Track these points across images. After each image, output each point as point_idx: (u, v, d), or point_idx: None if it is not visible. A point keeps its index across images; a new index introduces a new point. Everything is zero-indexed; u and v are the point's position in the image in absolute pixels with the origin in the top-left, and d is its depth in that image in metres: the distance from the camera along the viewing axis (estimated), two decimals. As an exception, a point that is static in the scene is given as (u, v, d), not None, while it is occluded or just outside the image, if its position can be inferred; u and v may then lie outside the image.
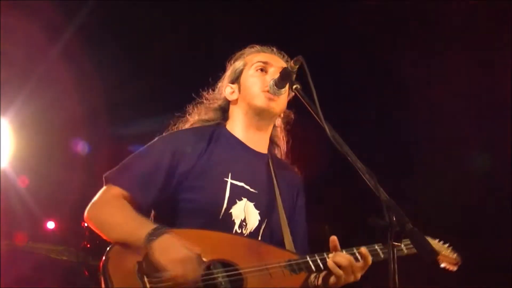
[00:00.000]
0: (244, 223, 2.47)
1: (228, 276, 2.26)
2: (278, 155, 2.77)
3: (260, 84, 2.61)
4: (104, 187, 2.46)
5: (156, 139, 2.63)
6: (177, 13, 5.64)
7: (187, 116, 2.80)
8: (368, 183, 2.04)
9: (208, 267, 2.25)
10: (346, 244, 2.60)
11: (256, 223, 2.51)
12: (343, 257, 2.33)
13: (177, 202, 2.46)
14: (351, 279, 2.35)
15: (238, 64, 2.75)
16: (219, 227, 2.40)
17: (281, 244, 2.52)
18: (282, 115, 2.75)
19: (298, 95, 2.37)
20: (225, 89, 2.74)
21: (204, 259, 2.22)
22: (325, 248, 2.46)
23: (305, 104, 2.34)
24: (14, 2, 5.26)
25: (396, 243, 1.90)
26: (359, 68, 5.69)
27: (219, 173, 2.50)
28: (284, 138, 2.80)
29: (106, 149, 6.21)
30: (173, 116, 2.87)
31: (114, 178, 2.44)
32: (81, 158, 6.26)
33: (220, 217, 2.44)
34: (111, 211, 2.39)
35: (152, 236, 2.20)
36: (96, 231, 2.40)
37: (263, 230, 2.53)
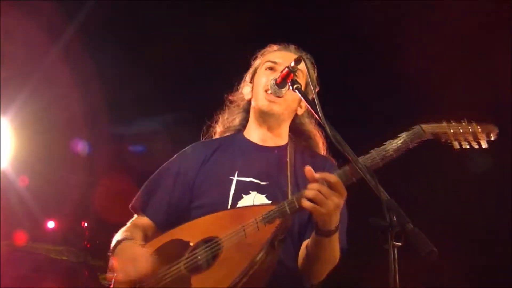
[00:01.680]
0: None
1: (207, 249, 2.29)
2: (313, 147, 2.71)
3: (263, 82, 2.61)
4: (134, 217, 2.64)
5: (167, 163, 2.70)
6: (177, 13, 5.64)
7: (214, 124, 2.81)
8: (369, 183, 2.03)
9: (193, 249, 2.30)
10: (347, 244, 2.59)
11: None
12: (309, 187, 2.16)
13: (190, 211, 2.52)
14: (330, 207, 2.14)
15: (256, 63, 2.76)
16: None
17: (304, 230, 2.48)
18: (300, 112, 2.71)
19: (299, 94, 2.36)
20: (245, 88, 2.75)
21: (191, 244, 2.31)
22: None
23: (306, 103, 2.34)
24: (14, 2, 5.26)
25: (396, 243, 1.89)
26: (359, 68, 5.69)
27: (224, 174, 2.52)
28: (315, 130, 2.74)
29: (106, 149, 6.21)
30: (173, 116, 2.87)
31: (136, 208, 2.63)
32: (81, 158, 6.26)
33: None
34: (116, 237, 2.53)
35: (112, 251, 2.40)
36: None
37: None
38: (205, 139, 2.80)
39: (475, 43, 5.28)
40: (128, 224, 2.58)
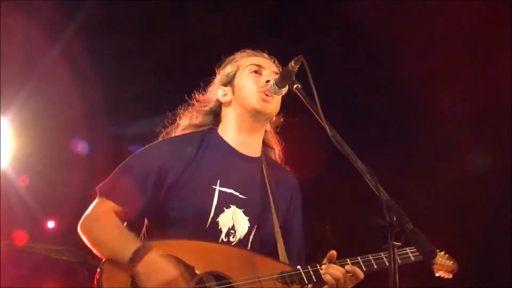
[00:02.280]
0: (232, 231, 2.46)
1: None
2: (273, 158, 2.75)
3: (255, 85, 2.60)
4: (97, 200, 2.50)
5: (144, 148, 2.62)
6: (177, 13, 5.63)
7: (178, 120, 2.78)
8: (369, 183, 2.03)
9: (200, 280, 2.26)
10: (346, 244, 2.60)
11: (245, 230, 2.50)
12: (336, 269, 2.35)
13: (167, 211, 2.47)
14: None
15: (230, 67, 2.74)
16: (205, 235, 2.40)
17: (273, 251, 2.52)
18: (273, 119, 2.73)
19: (299, 94, 2.36)
20: (217, 91, 2.72)
21: (197, 272, 2.25)
22: (326, 247, 2.45)
23: (306, 103, 2.33)
24: (14, 2, 5.26)
25: (396, 243, 1.89)
26: (359, 68, 5.69)
27: (207, 181, 2.49)
28: (277, 141, 2.78)
29: (106, 149, 6.20)
30: (173, 116, 2.86)
31: (105, 192, 2.48)
32: (81, 158, 6.26)
33: (207, 226, 2.44)
34: (99, 228, 2.42)
35: (134, 261, 2.25)
36: (88, 245, 2.43)
37: (253, 237, 2.51)
38: (165, 133, 2.76)
39: (475, 43, 5.28)
40: (108, 212, 2.43)
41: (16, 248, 5.79)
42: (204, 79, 2.90)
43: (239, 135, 2.61)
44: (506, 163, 5.31)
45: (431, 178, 5.73)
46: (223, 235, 2.45)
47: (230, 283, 2.27)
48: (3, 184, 5.89)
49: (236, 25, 5.47)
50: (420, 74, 5.45)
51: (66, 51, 5.60)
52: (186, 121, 2.75)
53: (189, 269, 2.24)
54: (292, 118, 2.85)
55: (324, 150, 2.80)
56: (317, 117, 2.22)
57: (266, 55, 2.76)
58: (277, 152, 2.77)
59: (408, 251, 2.52)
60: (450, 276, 2.79)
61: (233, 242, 2.46)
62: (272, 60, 2.75)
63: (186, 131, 2.70)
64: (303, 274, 2.34)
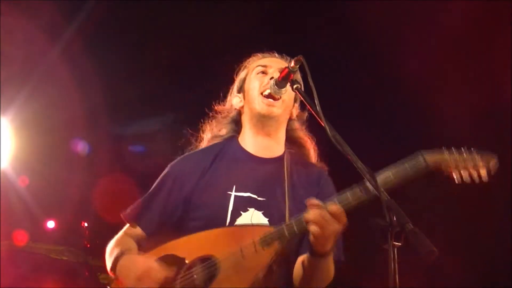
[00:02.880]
0: None
1: (203, 269, 2.29)
2: (305, 156, 2.72)
3: (259, 86, 2.60)
4: (125, 227, 2.62)
5: (166, 169, 2.68)
6: (177, 13, 5.63)
7: (201, 134, 2.79)
8: (369, 183, 2.03)
9: (189, 267, 2.29)
10: (346, 244, 2.59)
11: None
12: (311, 213, 2.19)
13: (186, 222, 2.50)
14: (329, 232, 2.18)
15: (242, 74, 2.75)
16: None
17: (299, 247, 2.48)
18: (294, 116, 2.71)
19: (299, 94, 2.36)
20: (233, 99, 2.73)
21: (187, 261, 2.30)
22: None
23: (306, 103, 2.33)
24: (14, 2, 5.26)
25: (396, 243, 1.89)
26: (360, 69, 5.70)
27: (222, 188, 2.50)
28: (308, 138, 2.75)
29: (106, 149, 6.21)
30: (173, 116, 2.86)
31: (127, 217, 2.61)
32: (81, 158, 6.26)
33: None
34: (111, 249, 2.53)
35: (113, 270, 2.41)
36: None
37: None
38: (190, 149, 2.78)
39: (475, 44, 5.28)
40: (120, 234, 2.58)
41: (16, 248, 5.78)
42: (205, 79, 2.91)
43: (256, 138, 2.61)
44: (506, 163, 5.31)
45: (431, 178, 5.72)
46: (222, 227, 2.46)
47: (214, 261, 2.28)
48: (3, 184, 5.89)
49: (237, 25, 5.47)
50: (420, 74, 5.45)
51: (66, 51, 5.60)
52: (209, 134, 2.76)
53: (178, 261, 2.30)
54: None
55: (324, 150, 2.79)
56: (317, 117, 2.22)
57: (276, 55, 2.76)
58: (310, 150, 2.74)
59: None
60: (485, 175, 2.33)
61: (216, 228, 2.47)
62: (284, 58, 2.74)
63: (211, 143, 2.72)
64: (284, 229, 2.27)
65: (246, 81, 2.70)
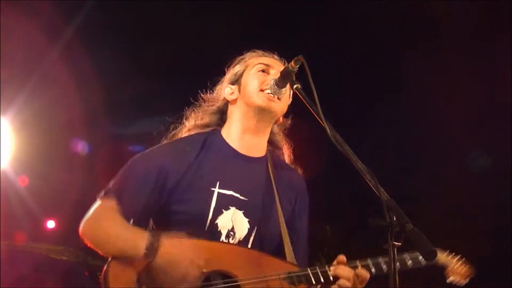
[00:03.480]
0: (231, 233, 2.46)
1: (225, 286, 2.27)
2: (281, 158, 2.74)
3: (259, 84, 2.59)
4: (97, 201, 2.47)
5: (147, 151, 2.61)
6: (177, 13, 5.63)
7: (184, 120, 2.77)
8: (369, 183, 2.03)
9: (207, 278, 2.27)
10: (346, 244, 2.59)
11: (245, 232, 2.49)
12: (344, 270, 2.34)
13: (168, 214, 2.47)
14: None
15: (238, 67, 2.73)
16: (205, 238, 2.39)
17: (276, 252, 2.51)
18: (280, 120, 2.72)
19: (299, 94, 2.36)
20: (225, 90, 2.71)
21: (204, 270, 2.25)
22: (327, 247, 2.45)
23: (306, 103, 2.33)
24: (14, 2, 5.26)
25: (396, 243, 1.89)
26: (360, 69, 5.70)
27: (206, 184, 2.48)
28: (286, 142, 2.77)
29: (106, 149, 6.21)
30: (172, 117, 2.84)
31: (105, 192, 2.48)
32: (81, 158, 6.26)
33: (206, 228, 2.43)
34: (103, 226, 2.41)
35: (149, 256, 2.24)
36: (92, 246, 2.41)
37: (253, 238, 2.50)
38: (173, 135, 2.76)
39: (475, 44, 5.28)
40: (108, 210, 2.42)
41: (16, 248, 5.78)
42: (205, 79, 2.89)
43: (243, 135, 2.60)
44: (506, 163, 5.31)
45: (431, 178, 5.73)
46: (223, 237, 2.44)
47: (237, 281, 2.27)
48: (3, 184, 5.89)
49: (235, 25, 5.47)
50: (420, 74, 5.45)
51: (66, 51, 5.60)
52: (192, 121, 2.73)
53: (196, 267, 2.24)
54: (292, 118, 2.84)
55: (324, 150, 2.79)
56: (317, 117, 2.21)
57: (276, 57, 2.75)
58: (286, 153, 2.75)
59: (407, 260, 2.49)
60: (464, 282, 2.78)
61: (233, 243, 2.45)
62: (283, 62, 2.74)
63: (192, 132, 2.69)
64: (311, 275, 2.33)
65: (244, 75, 2.68)
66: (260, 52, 2.76)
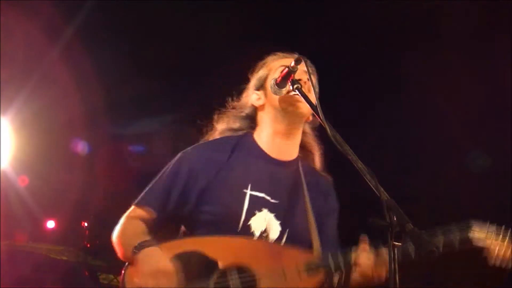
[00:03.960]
0: (264, 234, 2.46)
1: (241, 281, 2.26)
2: (311, 161, 2.74)
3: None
4: (130, 210, 2.55)
5: (177, 156, 2.64)
6: (177, 13, 5.63)
7: (214, 124, 2.77)
8: (369, 183, 2.03)
9: (223, 274, 2.26)
10: (346, 244, 2.59)
11: (277, 234, 2.49)
12: (365, 257, 2.30)
13: (199, 215, 2.48)
14: (373, 279, 2.30)
15: (262, 72, 2.73)
16: None
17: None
18: (310, 118, 2.71)
19: (299, 94, 2.36)
20: (252, 96, 2.72)
21: (220, 266, 2.26)
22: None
23: (306, 103, 2.33)
24: (14, 2, 5.26)
25: (396, 243, 1.89)
26: (360, 69, 5.70)
27: (238, 185, 2.49)
28: (316, 144, 2.76)
29: (106, 149, 6.21)
30: (173, 116, 2.85)
31: (135, 200, 2.55)
32: (81, 158, 6.26)
33: (239, 229, 2.43)
34: (119, 232, 2.48)
35: (136, 249, 2.30)
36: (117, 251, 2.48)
37: (284, 241, 2.49)
38: (203, 139, 2.77)
39: (475, 44, 5.28)
40: (126, 219, 2.50)
41: (16, 248, 5.79)
42: (205, 79, 2.89)
43: (274, 139, 2.60)
44: (506, 163, 5.31)
45: (431, 178, 5.72)
46: (255, 239, 2.45)
47: (254, 275, 2.26)
48: (3, 184, 5.89)
49: (235, 25, 5.47)
50: (420, 74, 5.45)
51: (66, 51, 5.60)
52: (224, 125, 2.74)
53: (211, 264, 2.26)
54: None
55: (323, 150, 2.79)
56: (317, 116, 2.22)
57: (297, 56, 2.75)
58: (316, 157, 2.75)
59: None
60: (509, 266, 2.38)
61: (251, 238, 2.46)
62: (305, 60, 2.73)
63: (224, 135, 2.71)
64: (330, 262, 2.31)
65: (268, 80, 2.67)
66: (281, 54, 2.76)
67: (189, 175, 2.50)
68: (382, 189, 1.98)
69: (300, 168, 2.60)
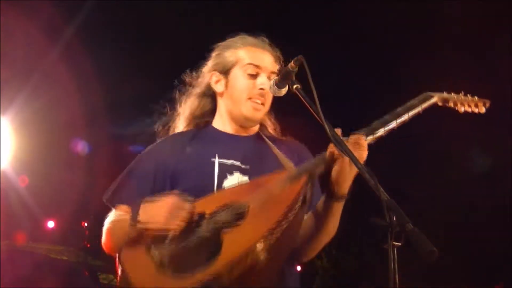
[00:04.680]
0: None
1: (231, 211, 2.27)
2: (269, 132, 2.76)
3: (248, 92, 2.59)
4: (110, 213, 2.50)
5: (142, 151, 2.65)
6: (177, 13, 5.64)
7: (178, 110, 2.78)
8: (369, 182, 2.03)
9: (214, 214, 2.27)
10: (346, 244, 2.59)
11: None
12: (334, 148, 2.20)
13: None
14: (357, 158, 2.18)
15: (228, 56, 2.72)
16: None
17: None
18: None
19: (299, 95, 2.36)
20: (211, 77, 2.71)
21: (208, 212, 2.24)
22: (326, 246, 2.43)
23: (306, 104, 2.33)
24: (14, 2, 5.26)
25: (396, 243, 1.89)
26: (360, 69, 5.70)
27: (205, 157, 2.51)
28: (270, 118, 2.78)
29: (106, 149, 6.21)
30: (173, 116, 2.85)
31: (110, 200, 2.49)
32: (81, 158, 6.26)
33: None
34: (106, 229, 2.42)
35: (133, 220, 2.24)
36: (111, 251, 2.43)
37: None
38: (167, 126, 2.78)
39: (475, 43, 5.28)
40: (110, 217, 2.44)
41: (16, 248, 5.79)
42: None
43: (232, 125, 2.63)
44: (506, 163, 5.31)
45: (431, 178, 5.73)
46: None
47: (241, 204, 2.26)
48: (3, 184, 5.89)
49: (235, 25, 5.46)
50: (420, 74, 5.45)
51: (66, 51, 5.60)
52: (187, 110, 2.74)
53: (200, 216, 2.24)
54: (292, 118, 2.84)
55: (323, 149, 2.79)
56: (316, 117, 2.21)
57: (268, 47, 2.74)
58: (271, 126, 2.77)
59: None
60: (483, 110, 2.63)
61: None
62: (275, 50, 2.73)
63: (190, 121, 2.71)
64: (310, 164, 2.26)
65: (233, 72, 2.66)
66: (250, 39, 2.75)
67: (157, 167, 2.50)
68: (382, 189, 1.98)
69: (263, 136, 2.62)
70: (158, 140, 2.71)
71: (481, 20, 5.11)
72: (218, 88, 2.66)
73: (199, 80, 2.76)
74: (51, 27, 5.51)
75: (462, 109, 2.63)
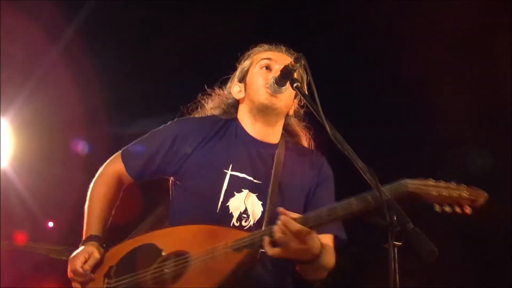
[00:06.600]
0: (244, 215, 2.47)
1: (175, 265, 2.30)
2: (297, 141, 2.75)
3: (263, 81, 2.61)
4: (116, 154, 2.79)
5: (169, 123, 2.73)
6: (177, 13, 5.63)
7: (204, 103, 2.82)
8: (369, 182, 2.03)
9: (164, 260, 2.32)
10: (346, 244, 2.59)
11: (259, 214, 2.50)
12: (277, 230, 2.21)
13: (182, 190, 2.52)
14: (292, 249, 2.20)
15: (245, 63, 2.77)
16: (217, 220, 2.42)
17: None
18: (291, 112, 2.74)
19: (299, 93, 2.37)
20: (233, 88, 2.75)
21: (163, 254, 2.34)
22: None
23: (306, 102, 2.34)
24: (14, 2, 5.26)
25: (397, 243, 1.89)
26: (359, 68, 5.70)
27: (219, 164, 2.52)
28: (302, 128, 2.78)
29: (106, 149, 6.19)
30: (173, 116, 2.86)
31: (123, 151, 2.75)
32: (81, 158, 6.25)
33: (217, 211, 2.45)
34: (92, 191, 2.85)
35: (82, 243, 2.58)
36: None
37: (266, 221, 2.48)
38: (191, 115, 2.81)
39: (475, 43, 5.28)
40: (110, 170, 2.76)
41: (16, 248, 5.78)
42: (205, 79, 2.92)
43: (254, 126, 2.64)
44: (506, 163, 5.31)
45: (431, 178, 5.71)
46: (234, 220, 2.47)
47: (187, 258, 2.30)
48: (3, 184, 5.89)
49: (237, 25, 5.47)
50: (420, 74, 5.45)
51: (66, 51, 5.60)
52: (215, 104, 2.78)
53: (156, 252, 2.35)
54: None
55: (324, 149, 2.79)
56: (317, 115, 2.22)
57: (283, 48, 2.77)
58: (303, 138, 2.77)
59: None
60: (469, 211, 2.12)
61: (245, 226, 2.46)
62: (290, 53, 2.75)
63: (214, 112, 2.75)
64: (257, 238, 2.27)
65: (249, 73, 2.71)
66: (266, 46, 2.78)
67: (173, 144, 2.57)
68: (382, 188, 1.99)
69: (277, 150, 2.62)
70: (185, 118, 2.75)
71: (481, 20, 5.11)
72: (240, 95, 2.70)
73: (225, 94, 2.81)
74: (51, 27, 5.51)
75: (437, 208, 2.23)
